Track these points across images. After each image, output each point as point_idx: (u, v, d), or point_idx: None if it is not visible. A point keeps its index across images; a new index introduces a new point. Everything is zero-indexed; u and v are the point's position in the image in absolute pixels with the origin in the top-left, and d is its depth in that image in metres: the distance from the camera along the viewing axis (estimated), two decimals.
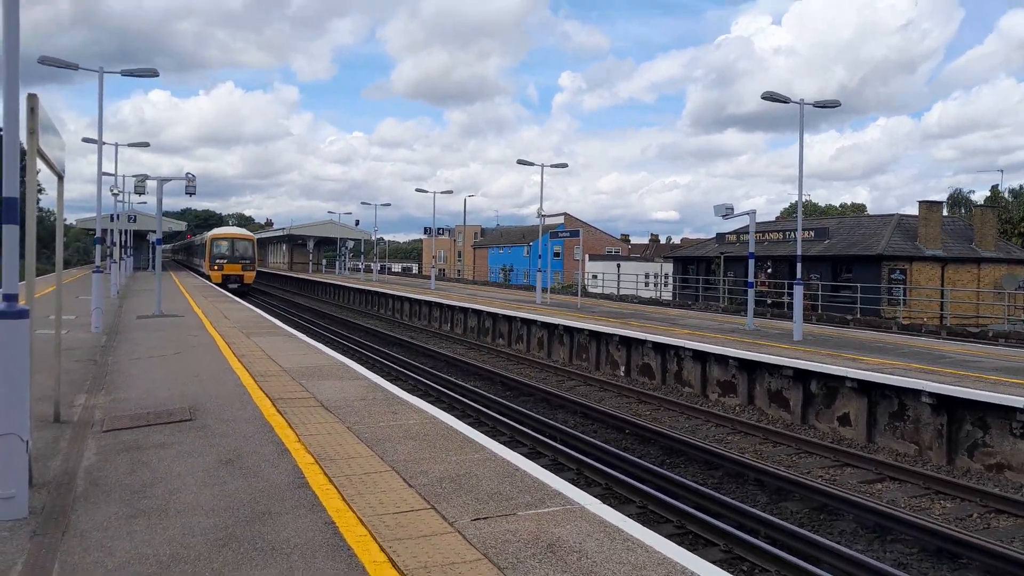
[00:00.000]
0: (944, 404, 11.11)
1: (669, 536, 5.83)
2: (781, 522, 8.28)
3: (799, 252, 18.55)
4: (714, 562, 4.90)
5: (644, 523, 5.85)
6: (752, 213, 19.79)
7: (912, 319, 30.89)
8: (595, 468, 10.27)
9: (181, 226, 67.18)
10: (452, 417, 8.12)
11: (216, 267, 44.55)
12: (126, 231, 42.23)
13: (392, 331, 28.52)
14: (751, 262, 20.18)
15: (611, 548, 4.47)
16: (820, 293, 33.40)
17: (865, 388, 12.41)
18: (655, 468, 10.38)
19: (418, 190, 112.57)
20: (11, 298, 4.89)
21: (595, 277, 54.02)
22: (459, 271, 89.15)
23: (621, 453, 11.11)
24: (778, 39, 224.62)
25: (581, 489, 5.75)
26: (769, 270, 40.03)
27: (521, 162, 29.09)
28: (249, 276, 45.72)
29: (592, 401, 15.39)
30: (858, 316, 28.64)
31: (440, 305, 30.32)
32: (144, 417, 7.94)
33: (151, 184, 22.31)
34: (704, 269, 45.06)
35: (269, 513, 5.05)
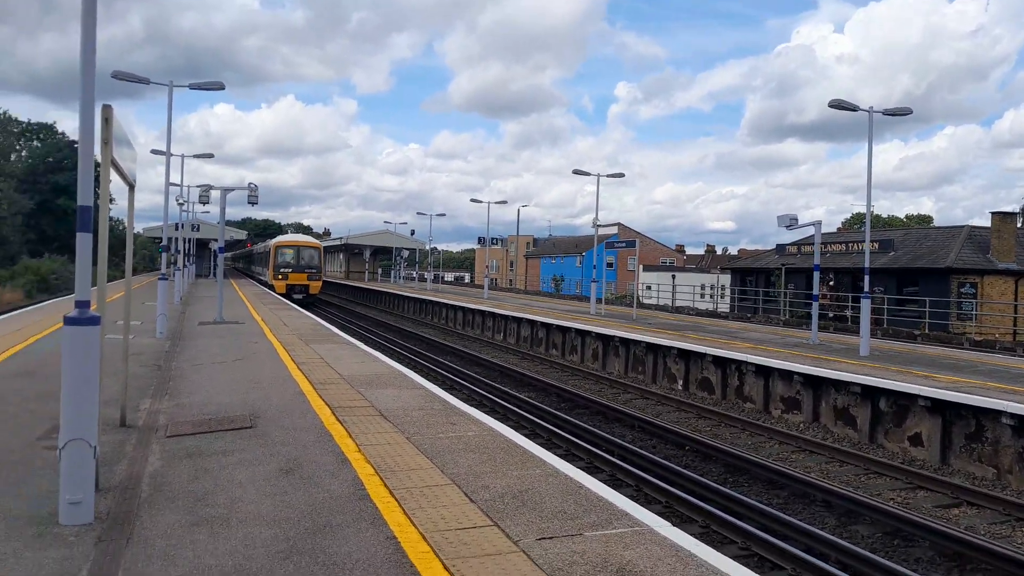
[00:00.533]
0: None
1: (735, 558, 5.58)
2: (852, 547, 7.91)
3: (867, 264, 17.92)
4: None
5: (707, 544, 5.61)
6: (818, 224, 19.24)
7: (983, 335, 29.64)
8: (655, 485, 10.01)
9: (242, 235, 68.70)
10: (511, 430, 7.99)
11: (280, 276, 41.62)
12: (189, 239, 43.40)
13: (446, 340, 28.58)
14: (816, 274, 19.60)
15: (684, 573, 4.27)
16: (885, 307, 32.33)
17: (939, 407, 11.86)
18: (717, 487, 10.06)
19: (473, 200, 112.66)
20: (83, 305, 4.94)
21: (649, 288, 53.37)
22: (511, 281, 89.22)
23: (681, 470, 10.81)
24: (841, 47, 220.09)
25: (647, 509, 5.54)
26: (831, 283, 38.92)
27: (577, 172, 28.91)
28: (315, 286, 42.93)
29: (649, 415, 15.08)
30: (926, 331, 27.60)
31: (493, 315, 30.28)
32: (206, 423, 8.01)
33: (214, 194, 22.81)
34: (763, 281, 44.11)
35: (330, 525, 4.99)
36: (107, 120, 5.80)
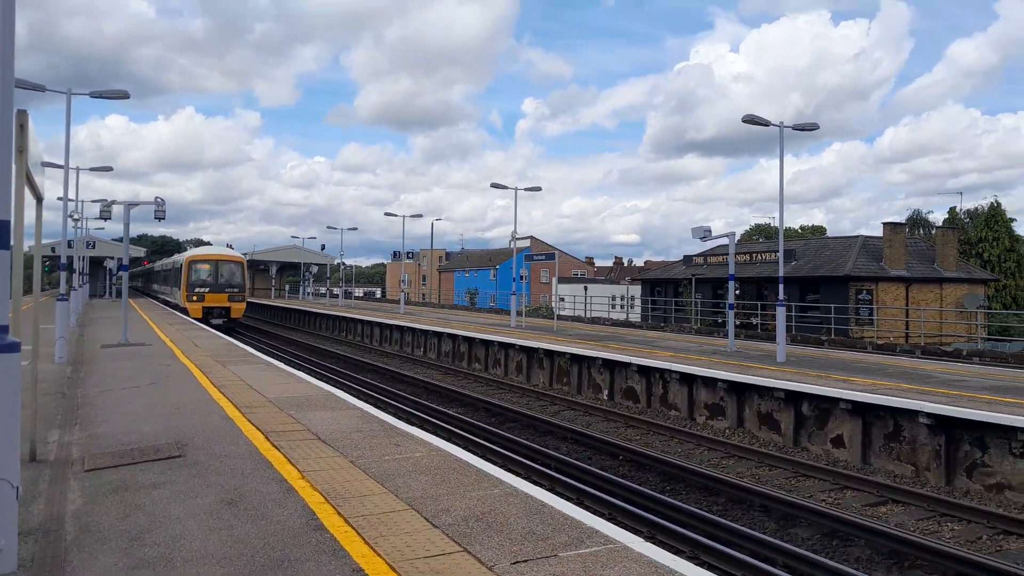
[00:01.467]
0: (942, 424, 11.04)
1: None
2: (797, 549, 8.04)
3: (781, 273, 18.56)
4: None
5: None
6: (731, 235, 19.83)
7: (880, 338, 31.27)
8: (595, 497, 9.95)
9: (140, 252, 65.60)
10: (459, 448, 7.75)
11: (195, 297, 35.30)
12: (83, 257, 40.98)
13: (365, 357, 27.93)
14: (731, 283, 20.15)
15: None
16: (793, 314, 33.67)
17: (859, 409, 12.31)
18: (658, 495, 10.09)
19: (387, 214, 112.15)
20: (2, 330, 4.43)
21: (563, 300, 53.93)
22: (424, 295, 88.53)
23: (621, 480, 10.81)
24: (737, 67, 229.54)
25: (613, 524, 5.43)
26: (737, 291, 40.32)
27: (495, 185, 28.86)
28: (238, 308, 36.70)
29: (580, 426, 15.08)
30: (832, 336, 28.86)
31: (412, 330, 29.83)
32: (128, 454, 7.42)
33: (116, 209, 21.58)
34: (672, 291, 45.27)
35: (288, 560, 4.64)
36: (22, 126, 5.29)
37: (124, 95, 16.70)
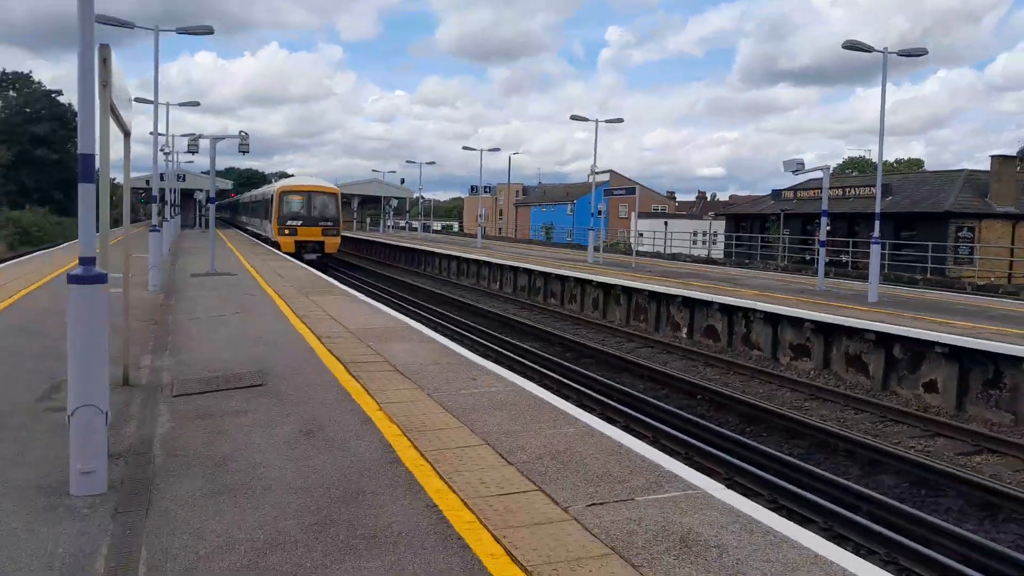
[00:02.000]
0: None
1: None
2: (882, 497, 7.73)
3: (878, 209, 17.56)
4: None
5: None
6: (826, 169, 18.87)
7: (980, 278, 29.58)
8: (673, 436, 9.80)
9: (227, 184, 67.48)
10: (535, 385, 7.68)
11: (287, 231, 32.65)
12: (174, 190, 42.42)
13: (442, 290, 28.21)
14: (823, 219, 19.28)
15: (752, 543, 3.99)
16: (886, 252, 32.14)
17: (956, 354, 11.66)
18: (738, 437, 9.87)
19: (465, 148, 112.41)
20: (88, 261, 4.51)
21: (642, 235, 53.01)
22: (500, 229, 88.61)
23: (699, 420, 10.62)
24: None
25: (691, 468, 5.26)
26: (828, 227, 38.66)
27: (575, 117, 28.18)
28: (332, 243, 33.83)
29: (657, 364, 14.86)
30: (928, 276, 27.46)
31: (489, 264, 29.88)
32: (214, 381, 7.64)
33: (202, 143, 22.08)
34: (758, 227, 43.81)
35: (363, 493, 4.67)
36: (105, 60, 5.28)
37: (208, 30, 16.84)
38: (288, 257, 28.25)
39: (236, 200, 68.58)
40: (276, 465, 5.16)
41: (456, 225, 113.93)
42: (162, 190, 32.39)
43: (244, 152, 20.46)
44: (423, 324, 12.94)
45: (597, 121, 28.10)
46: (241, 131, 20.31)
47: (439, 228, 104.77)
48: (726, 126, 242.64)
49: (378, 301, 16.78)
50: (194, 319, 11.93)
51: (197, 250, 29.76)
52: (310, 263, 27.39)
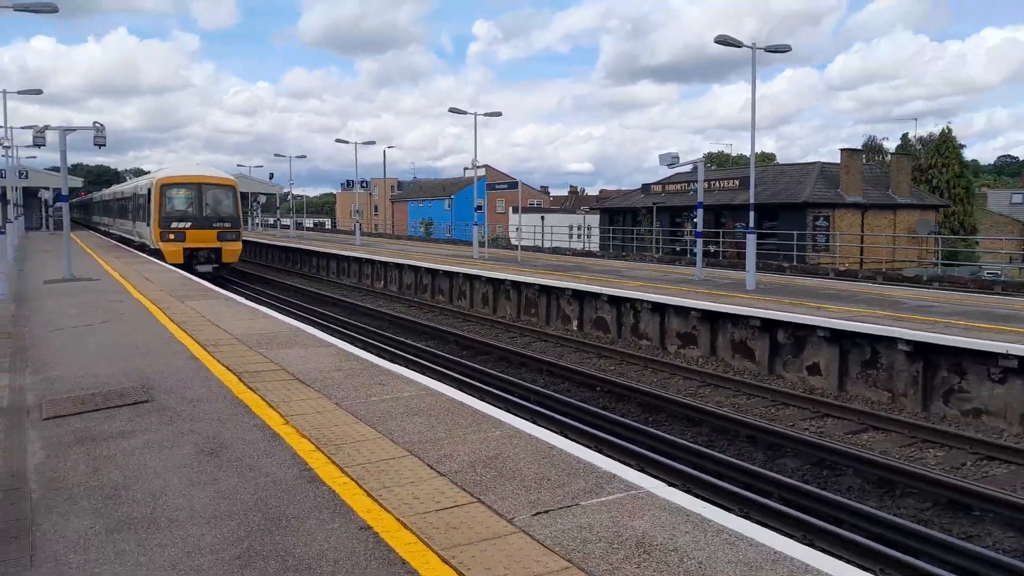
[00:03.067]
0: (920, 351, 11.05)
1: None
2: (791, 481, 7.96)
3: (752, 200, 18.34)
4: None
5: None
6: (700, 162, 19.49)
7: (839, 265, 31.66)
8: (578, 429, 9.75)
9: (77, 182, 62.51)
10: (448, 387, 7.36)
11: (172, 235, 25.39)
12: (16, 188, 38.73)
13: (324, 290, 27.21)
14: (700, 211, 19.95)
15: (708, 543, 3.87)
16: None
17: (837, 337, 12.27)
18: (643, 427, 9.94)
19: (338, 140, 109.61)
20: None
21: (519, 230, 53.48)
22: (376, 226, 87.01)
23: (602, 412, 10.63)
24: None
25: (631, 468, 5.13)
26: (693, 218, 40.28)
27: (453, 110, 27.87)
28: (232, 250, 26.66)
29: (553, 357, 14.85)
30: (793, 263, 29.08)
31: (372, 261, 29.11)
32: (91, 400, 6.85)
33: (50, 136, 20.11)
34: (630, 220, 45.08)
35: (286, 517, 4.22)
36: None
37: (52, 8, 15.32)
38: (151, 258, 25.83)
39: (90, 199, 63.19)
40: (180, 492, 4.60)
41: (329, 222, 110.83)
42: (3, 188, 29.51)
43: (100, 145, 18.79)
44: (312, 327, 12.29)
45: (476, 115, 27.94)
46: (96, 122, 18.64)
47: (311, 225, 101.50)
48: (593, 122, 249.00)
49: (258, 303, 15.87)
50: (56, 330, 10.79)
51: (47, 253, 27.30)
52: (204, 276, 22.29)
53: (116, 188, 44.67)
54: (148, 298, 14.23)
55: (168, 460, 5.19)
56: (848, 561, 5.91)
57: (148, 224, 26.78)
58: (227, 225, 26.48)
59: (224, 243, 26.23)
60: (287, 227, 57.40)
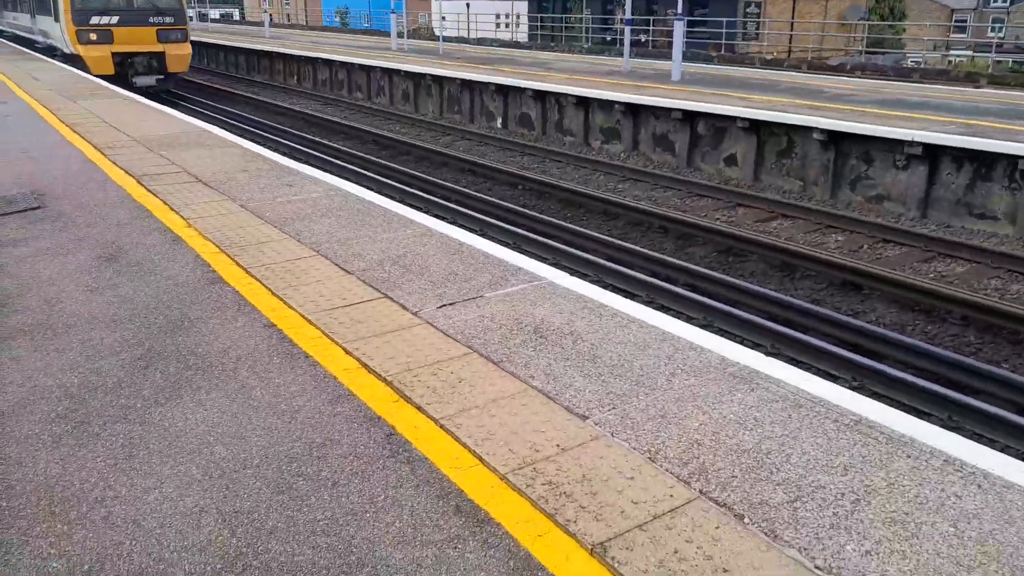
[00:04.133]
0: (833, 139, 11.26)
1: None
2: (696, 267, 8.30)
3: None
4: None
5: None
6: None
7: (765, 53, 31.29)
8: (498, 228, 9.83)
9: None
10: (360, 187, 7.20)
11: (95, 35, 19.16)
12: None
13: (233, 88, 25.65)
14: None
15: (602, 326, 4.04)
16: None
17: (755, 127, 12.36)
18: (560, 222, 10.07)
19: None
20: None
21: (444, 19, 50.50)
22: (289, 16, 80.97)
23: (522, 209, 10.69)
24: None
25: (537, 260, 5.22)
26: (623, 6, 38.64)
27: None
28: (179, 56, 20.54)
29: (476, 156, 14.64)
30: (722, 52, 28.57)
31: (283, 56, 27.34)
32: None
33: None
34: (560, 7, 43.02)
35: (188, 319, 4.20)
36: None
37: None
38: (36, 54, 23.32)
39: None
40: (77, 299, 4.51)
41: (236, 13, 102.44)
42: None
43: None
44: (220, 128, 11.67)
45: None
46: None
47: (217, 17, 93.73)
48: None
49: (163, 104, 14.91)
50: None
51: None
52: (146, 92, 17.57)
53: None
54: (35, 98, 13.17)
55: (63, 267, 5.04)
56: (739, 339, 6.33)
57: (56, 19, 19.93)
58: (169, 20, 20.00)
59: (168, 45, 19.98)
60: (190, 19, 52.86)
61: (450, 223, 6.86)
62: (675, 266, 8.37)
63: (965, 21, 52.08)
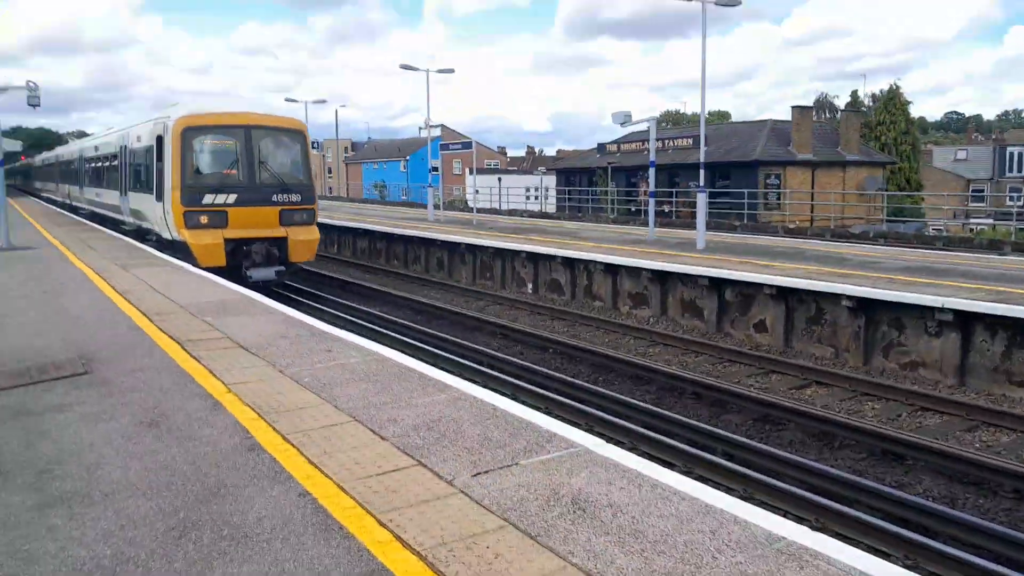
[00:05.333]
0: (863, 306, 11.34)
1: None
2: (734, 436, 8.16)
3: (703, 159, 18.49)
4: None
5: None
6: (652, 120, 19.49)
7: (788, 222, 32.19)
8: (531, 391, 9.84)
9: (16, 146, 60.21)
10: (396, 352, 7.35)
11: (206, 217, 15.21)
12: None
13: None
14: (652, 170, 20.01)
15: (643, 498, 3.96)
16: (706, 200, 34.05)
17: (783, 294, 12.52)
18: (592, 387, 10.07)
19: (288, 99, 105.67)
20: None
21: (477, 192, 53.23)
22: (331, 188, 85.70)
23: (554, 373, 10.73)
24: None
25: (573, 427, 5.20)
26: (647, 179, 40.45)
27: (405, 67, 27.35)
28: (304, 241, 16.17)
29: (507, 320, 14.91)
30: (744, 222, 29.47)
31: (325, 226, 28.66)
32: (25, 373, 6.69)
33: None
34: (586, 181, 45.13)
35: (224, 487, 4.20)
36: None
37: None
38: (96, 225, 24.64)
39: (53, 158, 59.34)
40: (116, 465, 4.54)
41: None
42: None
43: (34, 106, 18.04)
44: (262, 295, 12.12)
45: (428, 71, 27.48)
46: (29, 81, 17.84)
47: None
48: (552, 79, 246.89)
49: (210, 272, 15.56)
50: None
51: None
52: (263, 287, 14.04)
53: (83, 143, 30.10)
54: (90, 266, 13.86)
55: (105, 433, 5.11)
56: (782, 512, 6.11)
57: (158, 197, 15.90)
58: (296, 199, 15.82)
59: (291, 228, 15.72)
60: None
61: (483, 387, 6.90)
62: (712, 434, 8.25)
63: (982, 191, 53.50)
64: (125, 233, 20.76)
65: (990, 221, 37.23)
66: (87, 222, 26.70)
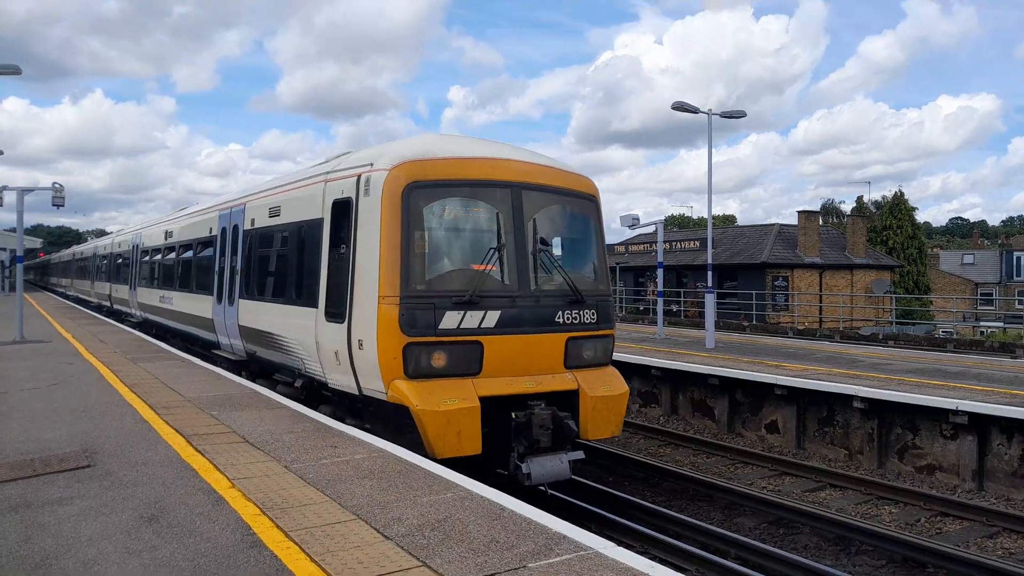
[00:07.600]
0: (875, 408, 11.19)
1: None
2: (748, 540, 7.92)
3: (711, 260, 18.70)
4: None
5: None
6: (660, 223, 19.83)
7: (802, 324, 32.18)
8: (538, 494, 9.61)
9: (35, 243, 61.57)
10: (401, 448, 7.26)
11: (442, 359, 7.89)
12: None
13: None
14: (660, 271, 20.22)
15: None
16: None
17: (795, 395, 12.40)
18: (601, 488, 9.85)
19: None
20: None
21: None
22: None
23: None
24: (663, 59, 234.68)
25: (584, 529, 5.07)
26: (655, 279, 40.81)
27: None
28: (605, 399, 8.61)
29: None
30: (753, 322, 29.48)
31: None
32: (28, 465, 6.63)
33: (7, 196, 19.89)
34: None
35: None
36: None
37: (15, 70, 15.32)
38: (109, 320, 25.02)
39: (46, 260, 60.99)
40: (114, 561, 4.44)
41: None
42: None
43: (59, 206, 18.61)
44: (269, 389, 12.08)
45: None
46: (54, 183, 18.47)
47: None
48: None
49: (215, 364, 15.58)
50: (1, 394, 10.47)
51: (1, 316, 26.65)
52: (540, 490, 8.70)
53: (168, 221, 20.58)
54: (100, 360, 13.92)
55: (105, 527, 5.02)
56: None
57: (332, 314, 8.99)
58: (589, 317, 8.95)
59: (583, 373, 8.87)
60: None
61: (490, 486, 6.76)
62: (725, 538, 8.01)
63: (991, 294, 53.63)
64: (226, 366, 13.31)
65: (1000, 324, 37.14)
66: (97, 315, 26.94)
